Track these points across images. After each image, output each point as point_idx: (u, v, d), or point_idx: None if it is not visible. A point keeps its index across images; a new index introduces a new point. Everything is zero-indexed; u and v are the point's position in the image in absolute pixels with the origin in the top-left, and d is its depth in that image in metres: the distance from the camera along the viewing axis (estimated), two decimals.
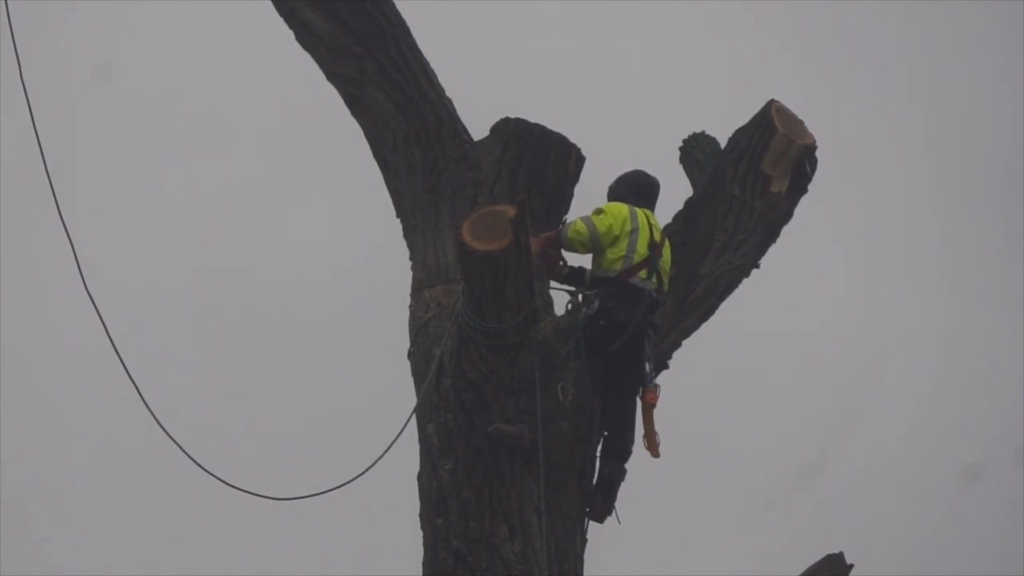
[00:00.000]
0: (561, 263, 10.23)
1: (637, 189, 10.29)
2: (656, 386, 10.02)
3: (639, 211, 10.10)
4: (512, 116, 10.77)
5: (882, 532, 18.01)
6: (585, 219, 9.98)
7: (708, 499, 17.96)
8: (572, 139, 10.74)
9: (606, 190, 10.45)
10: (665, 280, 10.15)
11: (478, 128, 10.90)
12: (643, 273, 9.98)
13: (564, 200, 10.79)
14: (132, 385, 9.69)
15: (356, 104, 11.00)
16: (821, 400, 19.19)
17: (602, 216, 9.97)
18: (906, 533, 18.10)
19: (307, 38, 11.04)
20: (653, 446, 9.98)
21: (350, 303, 17.39)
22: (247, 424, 18.31)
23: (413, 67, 10.88)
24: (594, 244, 9.95)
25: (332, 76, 11.04)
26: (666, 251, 10.18)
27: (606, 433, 10.03)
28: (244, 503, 9.95)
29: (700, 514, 17.81)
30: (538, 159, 10.66)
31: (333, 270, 18.76)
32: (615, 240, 9.94)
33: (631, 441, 10.02)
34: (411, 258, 10.69)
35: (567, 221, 10.63)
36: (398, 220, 10.95)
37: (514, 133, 10.68)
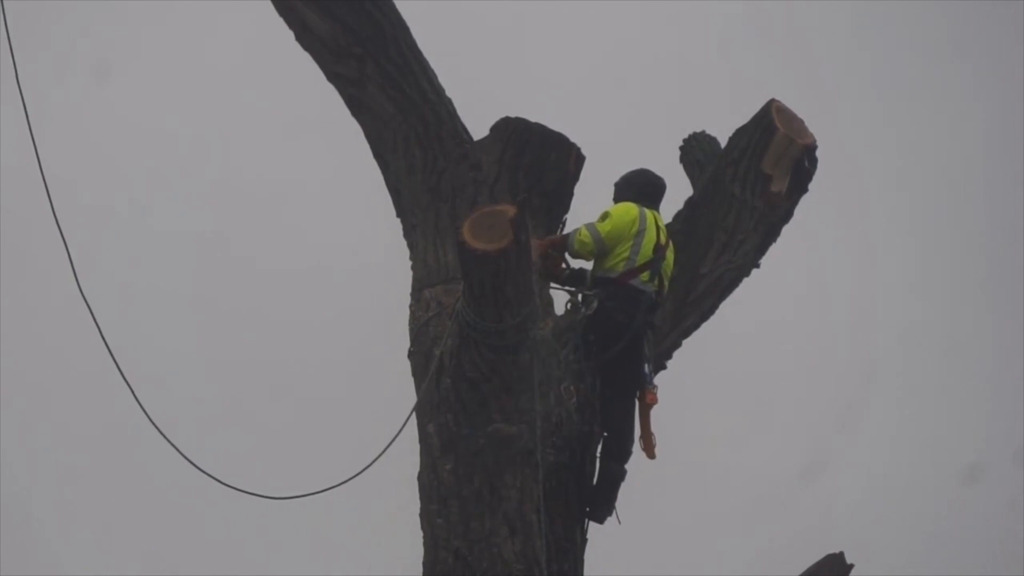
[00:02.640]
0: (563, 266, 10.24)
1: (645, 189, 10.30)
2: (655, 387, 10.02)
3: (648, 213, 10.11)
4: (512, 116, 10.77)
5: (882, 532, 18.00)
6: (589, 227, 10.02)
7: (708, 499, 17.96)
8: (572, 138, 10.74)
9: (604, 190, 10.46)
10: (666, 283, 10.15)
11: (478, 128, 10.90)
12: (645, 275, 9.98)
13: (564, 200, 10.78)
14: (130, 387, 9.70)
15: (356, 104, 10.98)
16: (821, 400, 19.21)
17: (606, 222, 9.99)
18: (906, 533, 18.10)
19: (307, 38, 11.01)
20: (649, 447, 9.98)
21: (350, 303, 17.38)
22: (247, 425, 18.32)
23: (413, 67, 10.86)
24: (599, 250, 10.00)
25: (332, 76, 11.01)
26: (669, 254, 10.18)
27: (605, 434, 10.02)
28: (243, 503, 9.94)
29: (700, 514, 17.81)
30: (538, 158, 10.66)
31: (333, 270, 18.77)
32: (620, 241, 9.96)
33: (631, 442, 10.02)
34: (411, 258, 10.68)
35: (567, 222, 10.64)
36: (398, 220, 10.95)
37: (514, 132, 10.68)
